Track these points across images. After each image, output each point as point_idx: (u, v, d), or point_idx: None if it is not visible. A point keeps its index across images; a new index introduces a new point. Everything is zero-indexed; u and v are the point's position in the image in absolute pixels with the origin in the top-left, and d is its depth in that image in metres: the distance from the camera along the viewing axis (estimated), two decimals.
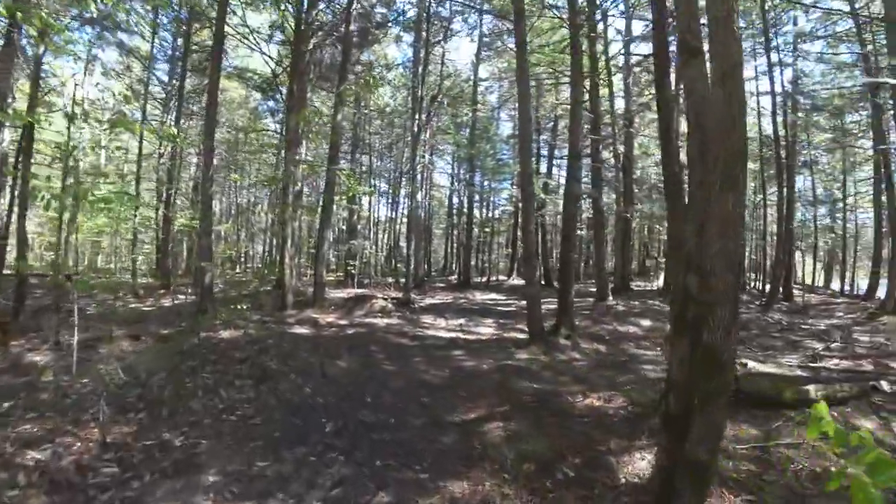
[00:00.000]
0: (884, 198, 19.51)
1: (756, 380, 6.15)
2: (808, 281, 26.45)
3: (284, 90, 15.00)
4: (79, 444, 4.21)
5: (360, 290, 17.95)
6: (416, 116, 15.44)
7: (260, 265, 26.21)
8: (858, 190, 23.12)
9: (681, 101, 8.83)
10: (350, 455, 4.41)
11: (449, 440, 4.80)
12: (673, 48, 7.21)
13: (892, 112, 18.19)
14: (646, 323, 12.09)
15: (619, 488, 4.08)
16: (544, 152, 21.58)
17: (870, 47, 16.19)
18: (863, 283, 25.47)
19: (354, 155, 22.80)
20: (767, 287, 23.05)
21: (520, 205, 23.00)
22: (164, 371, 6.30)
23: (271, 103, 21.20)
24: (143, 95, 17.01)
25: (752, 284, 21.20)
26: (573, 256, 9.66)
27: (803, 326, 12.67)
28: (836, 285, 25.32)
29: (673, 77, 8.25)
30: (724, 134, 2.80)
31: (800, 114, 17.59)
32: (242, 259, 28.56)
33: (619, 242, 16.76)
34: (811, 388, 6.33)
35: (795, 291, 19.11)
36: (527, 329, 10.89)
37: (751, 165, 21.70)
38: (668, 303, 15.48)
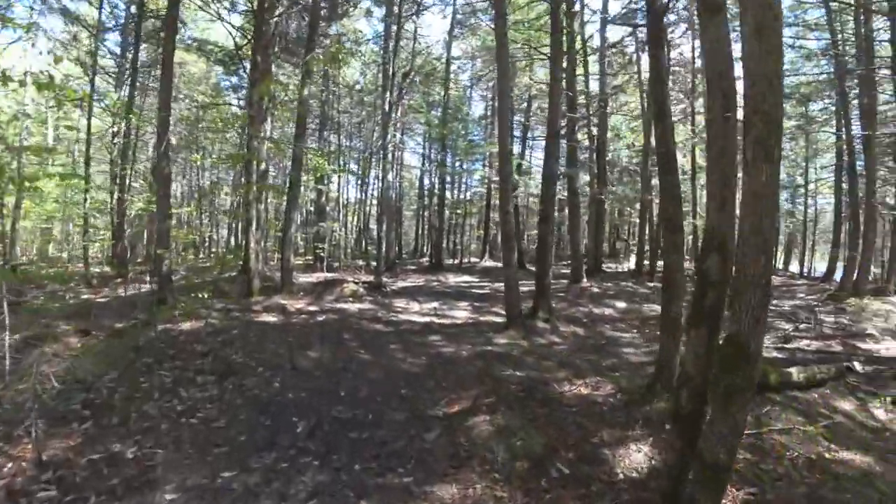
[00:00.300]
0: (844, 185, 20.08)
1: None
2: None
3: (248, 65, 14.07)
4: (10, 464, 3.61)
5: (329, 274, 17.33)
6: (387, 94, 14.77)
7: (224, 250, 25.13)
8: (820, 176, 23.67)
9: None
10: (325, 459, 3.97)
11: (433, 437, 4.41)
12: (670, 17, 6.90)
13: (856, 101, 18.55)
14: (621, 305, 11.97)
15: (618, 484, 3.79)
16: (517, 133, 21.15)
17: (839, 36, 16.30)
18: (819, 266, 26.34)
19: (322, 133, 21.89)
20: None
21: (493, 186, 22.64)
22: (116, 371, 5.67)
23: (234, 79, 20.07)
24: (92, 68, 15.66)
25: None
26: (551, 238, 9.36)
27: (771, 308, 12.77)
28: (794, 268, 26.05)
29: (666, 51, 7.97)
30: (758, 97, 2.42)
31: None
32: (206, 244, 27.33)
33: (592, 224, 16.64)
34: (793, 370, 6.22)
35: None
36: (504, 312, 10.60)
37: None
38: (641, 284, 15.54)
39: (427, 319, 9.92)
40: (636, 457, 4.15)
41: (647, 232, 18.11)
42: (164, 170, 9.91)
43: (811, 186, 22.90)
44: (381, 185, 14.11)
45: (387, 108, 14.80)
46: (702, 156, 20.88)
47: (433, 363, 6.69)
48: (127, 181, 17.59)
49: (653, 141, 18.98)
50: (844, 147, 19.35)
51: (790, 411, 5.37)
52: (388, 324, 9.28)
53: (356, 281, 13.87)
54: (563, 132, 9.60)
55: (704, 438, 2.82)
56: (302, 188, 26.30)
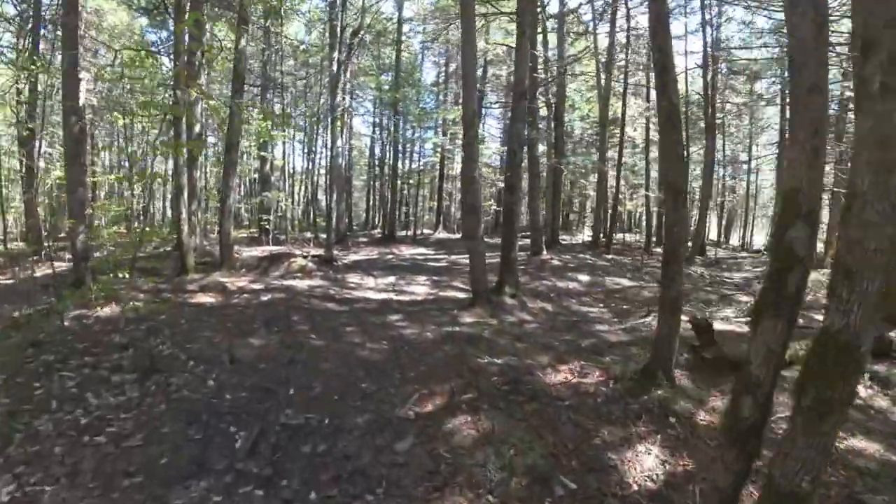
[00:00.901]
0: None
1: (735, 343, 5.49)
2: (713, 237, 27.91)
3: (175, 14, 12.20)
4: None
5: (276, 248, 15.95)
6: (335, 53, 13.36)
7: (162, 224, 22.92)
8: (759, 154, 24.18)
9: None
10: (271, 486, 3.05)
11: (406, 447, 3.56)
12: None
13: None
14: (584, 278, 11.48)
15: (634, 498, 3.11)
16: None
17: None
18: (757, 239, 27.35)
19: (265, 97, 20.04)
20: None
21: (446, 155, 21.63)
22: (2, 375, 4.45)
23: (164, 34, 17.78)
24: None
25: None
26: (518, 209, 8.62)
27: (727, 280, 12.73)
28: (734, 241, 26.87)
29: None
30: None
31: (720, 76, 17.50)
32: (141, 217, 24.80)
33: (549, 195, 16.08)
34: None
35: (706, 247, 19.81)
36: (467, 287, 9.83)
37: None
38: (598, 256, 15.20)
39: (384, 296, 9.00)
40: (647, 461, 3.49)
41: (605, 204, 17.77)
42: (73, 127, 8.27)
43: (753, 163, 23.34)
44: (329, 152, 12.83)
45: (334, 68, 13.41)
46: (654, 129, 20.82)
47: (396, 348, 5.81)
48: (38, 145, 15.31)
49: (612, 112, 18.67)
50: (787, 125, 19.79)
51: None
52: (341, 302, 8.28)
53: (305, 255, 12.68)
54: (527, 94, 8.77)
55: (780, 462, 2.11)
56: (244, 155, 24.28)
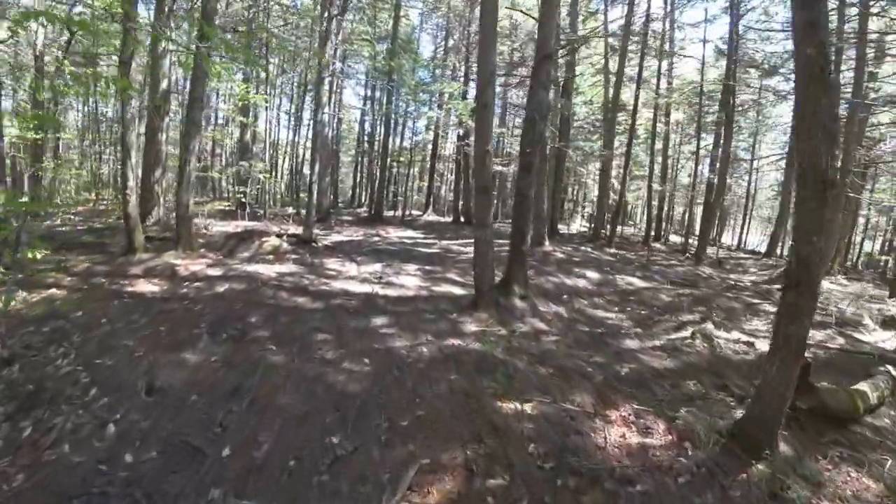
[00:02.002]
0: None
1: (838, 394, 4.00)
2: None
3: None
4: None
5: (252, 224, 14.13)
6: (327, 10, 11.41)
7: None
8: (762, 153, 22.82)
9: None
10: None
11: None
12: None
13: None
14: (592, 275, 9.97)
15: None
16: (474, 76, 18.28)
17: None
18: (751, 239, 26.22)
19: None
20: (680, 239, 22.65)
21: (440, 132, 19.81)
22: None
23: None
24: None
25: (663, 236, 20.30)
26: (531, 192, 7.01)
27: (739, 283, 11.42)
28: (725, 240, 25.69)
29: None
30: None
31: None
32: (107, 185, 22.50)
33: (550, 181, 14.49)
34: (866, 388, 4.37)
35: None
36: (464, 281, 8.28)
37: (679, 116, 20.33)
38: (599, 249, 13.73)
39: (368, 289, 7.35)
40: None
41: (607, 195, 16.24)
42: None
43: (758, 162, 21.98)
44: (314, 117, 10.97)
45: (324, 25, 11.48)
46: (662, 118, 19.27)
47: (382, 373, 4.21)
48: None
49: (624, 96, 17.01)
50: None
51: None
52: (316, 296, 6.60)
53: (281, 233, 10.94)
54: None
55: None
56: (228, 122, 22.05)
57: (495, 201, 23.80)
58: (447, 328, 5.61)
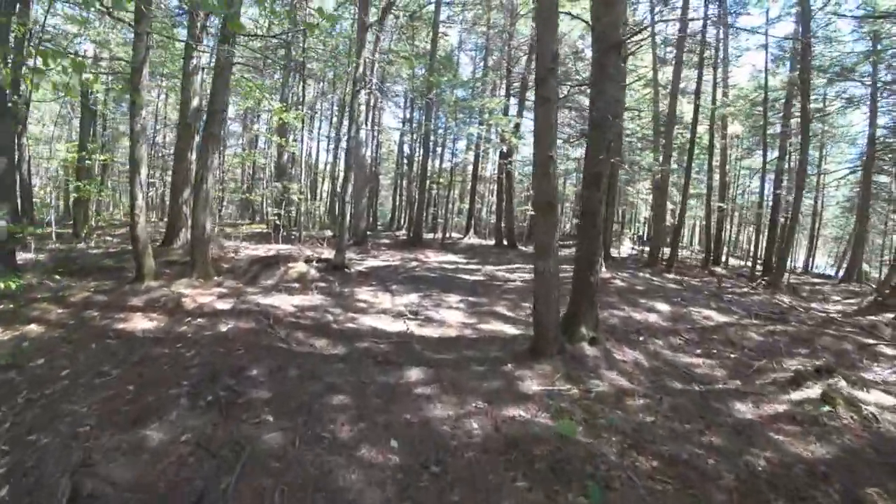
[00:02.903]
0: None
1: None
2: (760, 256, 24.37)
3: None
4: None
5: (285, 247, 13.18)
6: (363, 15, 10.43)
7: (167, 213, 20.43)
8: (827, 168, 20.49)
9: None
10: None
11: None
12: None
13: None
14: (662, 307, 8.31)
15: None
16: (514, 90, 16.96)
17: None
18: (818, 261, 23.59)
19: (287, 82, 17.36)
20: (738, 262, 20.42)
21: (480, 153, 18.56)
22: None
23: None
24: None
25: (723, 259, 18.18)
26: (602, 209, 5.58)
27: (830, 315, 9.51)
28: (791, 262, 23.18)
29: None
30: None
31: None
32: (153, 208, 22.35)
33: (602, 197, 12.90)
34: None
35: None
36: (515, 316, 6.85)
37: (737, 129, 18.36)
38: (657, 274, 11.96)
39: (402, 326, 6.02)
40: None
41: (664, 215, 14.47)
42: None
43: (828, 178, 19.66)
44: (348, 133, 9.93)
45: (358, 28, 10.48)
46: (719, 131, 17.41)
47: (415, 469, 2.82)
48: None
49: (681, 108, 15.34)
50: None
51: None
52: (338, 338, 5.30)
53: (312, 258, 9.84)
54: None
55: None
56: (265, 142, 21.58)
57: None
58: (502, 386, 4.18)
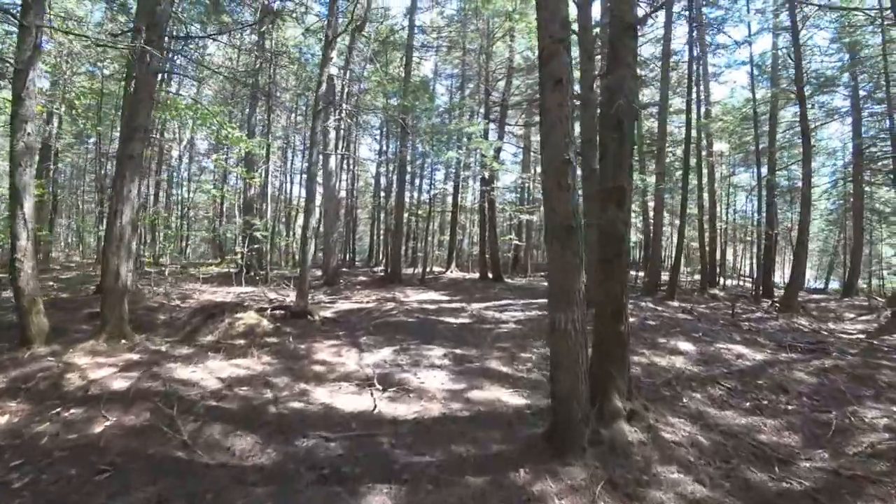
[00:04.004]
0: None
1: None
2: (746, 273, 23.46)
3: None
4: None
5: (246, 290, 11.48)
6: (329, 30, 9.10)
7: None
8: (815, 184, 19.81)
9: None
10: None
11: None
12: None
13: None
14: (685, 346, 6.77)
15: None
16: (493, 115, 15.81)
17: None
18: (808, 274, 22.75)
19: (254, 111, 15.95)
20: (733, 282, 19.37)
21: (460, 182, 17.26)
22: None
23: None
24: None
25: (718, 280, 17.01)
26: (627, 233, 4.10)
27: (852, 337, 8.36)
28: (777, 279, 22.25)
29: None
30: None
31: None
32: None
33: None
34: None
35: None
36: (517, 374, 5.27)
37: (722, 146, 17.54)
38: (667, 306, 10.55)
39: (367, 404, 4.31)
40: None
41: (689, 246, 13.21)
42: None
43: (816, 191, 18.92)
44: (310, 157, 8.41)
45: (324, 45, 9.12)
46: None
47: None
48: None
49: (671, 127, 14.30)
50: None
51: None
52: (273, 431, 3.58)
53: (269, 305, 8.18)
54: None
55: None
56: (232, 177, 19.87)
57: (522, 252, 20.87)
58: None
